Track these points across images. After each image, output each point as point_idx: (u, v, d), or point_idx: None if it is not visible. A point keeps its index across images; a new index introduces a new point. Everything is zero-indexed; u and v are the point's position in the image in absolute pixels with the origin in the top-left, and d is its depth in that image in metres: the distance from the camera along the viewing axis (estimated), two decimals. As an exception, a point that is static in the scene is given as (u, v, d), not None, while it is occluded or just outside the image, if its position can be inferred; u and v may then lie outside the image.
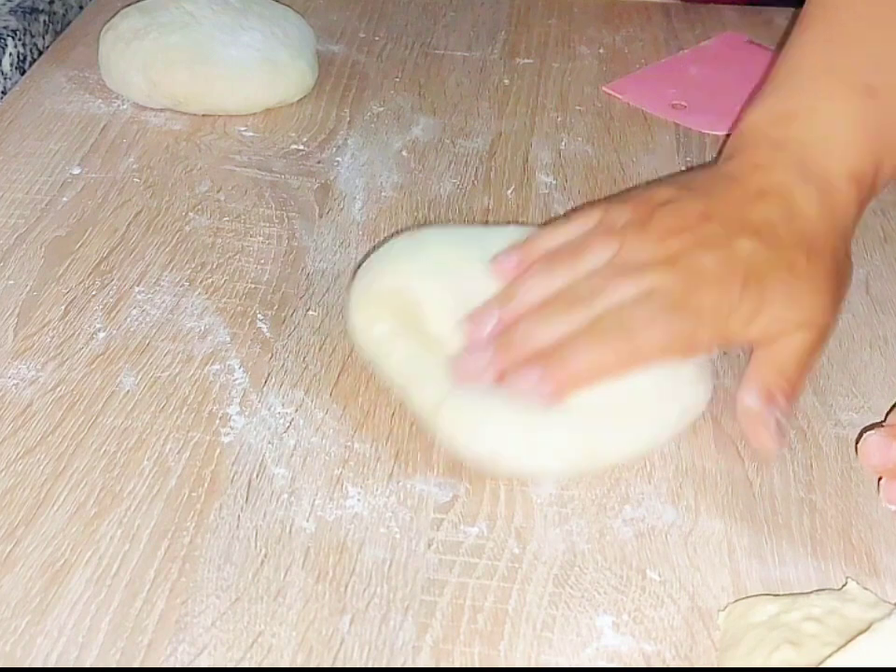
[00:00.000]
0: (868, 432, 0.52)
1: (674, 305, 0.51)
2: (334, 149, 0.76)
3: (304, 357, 0.58)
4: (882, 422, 0.54)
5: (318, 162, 0.74)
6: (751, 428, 0.52)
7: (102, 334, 0.59)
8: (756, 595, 0.46)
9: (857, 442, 0.53)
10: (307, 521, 0.49)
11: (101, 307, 0.61)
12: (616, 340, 0.51)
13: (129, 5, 0.82)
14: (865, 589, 0.45)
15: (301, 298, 0.62)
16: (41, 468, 0.51)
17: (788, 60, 0.61)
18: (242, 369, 0.57)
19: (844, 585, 0.45)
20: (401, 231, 0.67)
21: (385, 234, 0.68)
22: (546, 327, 0.52)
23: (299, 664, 0.44)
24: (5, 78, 0.82)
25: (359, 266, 0.60)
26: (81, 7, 0.93)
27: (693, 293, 0.51)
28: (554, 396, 0.50)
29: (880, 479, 0.51)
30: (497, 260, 0.56)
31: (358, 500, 0.51)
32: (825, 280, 0.53)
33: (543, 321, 0.52)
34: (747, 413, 0.52)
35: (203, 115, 0.78)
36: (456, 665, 0.44)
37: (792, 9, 0.94)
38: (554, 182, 0.73)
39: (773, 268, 0.52)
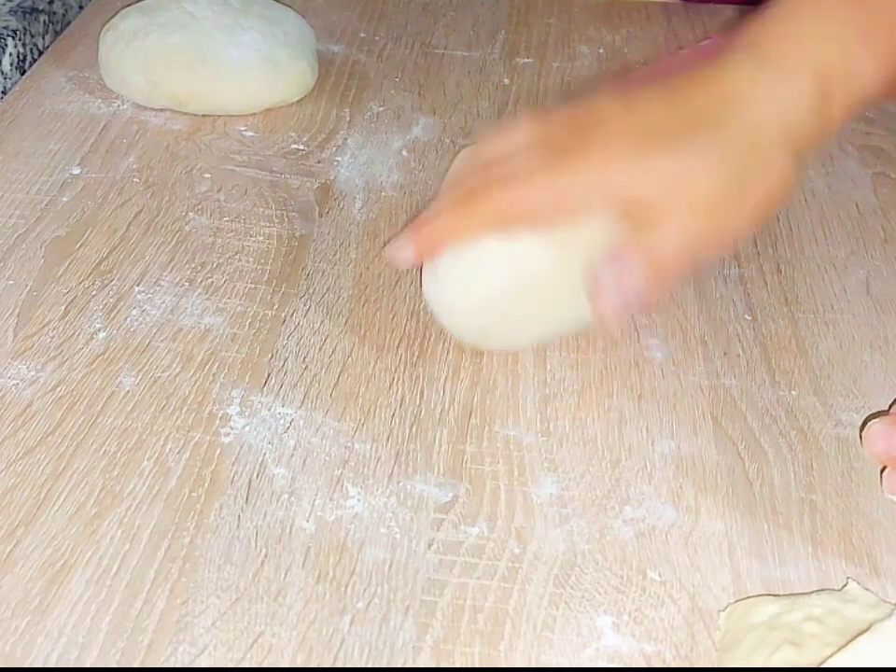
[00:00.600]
0: (872, 420, 0.52)
1: (553, 154, 0.52)
2: (334, 149, 0.76)
3: (304, 358, 0.58)
4: (887, 410, 0.54)
5: (318, 162, 0.74)
6: (594, 293, 0.52)
7: (102, 334, 0.59)
8: (757, 596, 0.46)
9: (861, 430, 0.53)
10: (307, 521, 0.49)
11: (101, 307, 0.61)
12: (478, 202, 0.53)
13: (129, 5, 0.82)
14: (866, 589, 0.45)
15: (301, 298, 0.62)
16: (41, 468, 0.51)
17: None
18: (242, 369, 0.57)
19: (844, 585, 0.45)
20: (401, 231, 0.68)
21: (385, 234, 0.68)
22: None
23: (299, 664, 0.44)
24: (5, 78, 0.82)
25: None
26: (81, 7, 0.93)
27: (577, 136, 0.53)
28: (415, 262, 0.56)
29: (883, 470, 0.51)
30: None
31: (359, 500, 0.50)
32: (727, 168, 0.51)
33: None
34: (594, 277, 0.52)
35: (203, 115, 0.78)
36: (457, 665, 0.44)
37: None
38: (555, 182, 0.73)
39: (674, 133, 0.52)
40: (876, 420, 0.51)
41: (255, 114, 0.79)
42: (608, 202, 0.52)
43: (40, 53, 0.86)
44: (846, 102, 0.54)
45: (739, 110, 0.52)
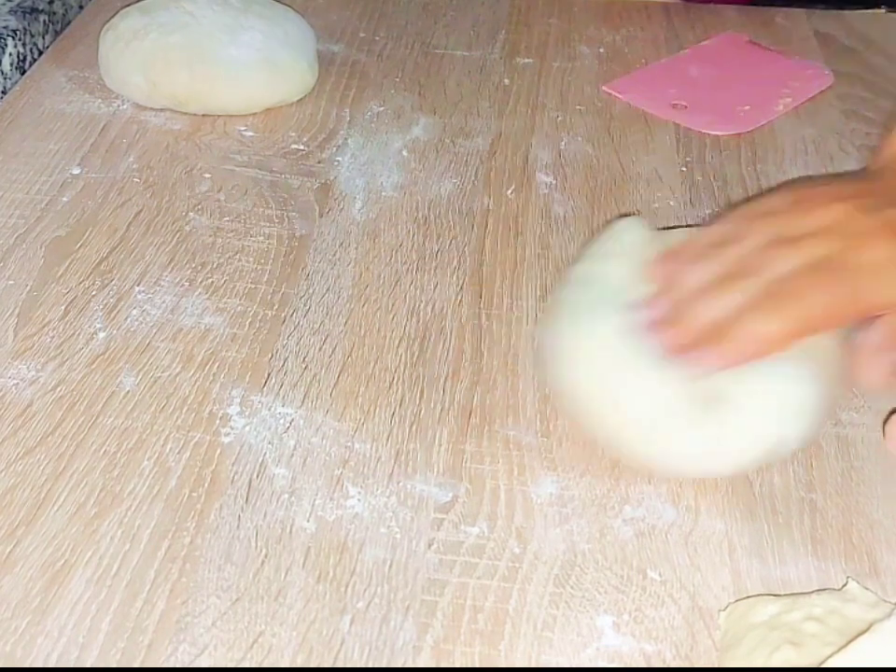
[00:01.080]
0: (895, 415, 0.52)
1: (834, 267, 0.50)
2: (334, 149, 0.76)
3: (304, 358, 0.58)
4: None
5: (318, 162, 0.74)
6: (862, 361, 0.51)
7: (102, 334, 0.59)
8: (757, 595, 0.46)
9: (884, 423, 0.53)
10: (307, 521, 0.49)
11: (101, 307, 0.61)
12: (784, 307, 0.50)
13: (129, 5, 0.82)
14: (866, 589, 0.45)
15: (301, 298, 0.62)
16: (41, 468, 0.51)
17: None
18: (242, 369, 0.57)
19: (844, 585, 0.45)
20: (401, 231, 0.68)
21: (386, 234, 0.68)
22: (714, 301, 0.50)
23: (299, 664, 0.44)
24: (5, 78, 0.82)
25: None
26: (81, 7, 0.93)
27: (851, 252, 0.50)
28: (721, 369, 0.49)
29: (886, 422, 0.51)
30: (654, 261, 0.54)
31: (359, 500, 0.51)
32: None
33: (710, 296, 0.51)
34: (862, 347, 0.51)
35: (203, 115, 0.78)
36: (457, 665, 0.44)
37: (792, 9, 0.95)
38: (554, 182, 0.73)
39: None
40: None
41: (255, 114, 0.79)
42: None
43: (40, 53, 0.86)
44: None
45: None
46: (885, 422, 0.53)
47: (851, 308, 0.50)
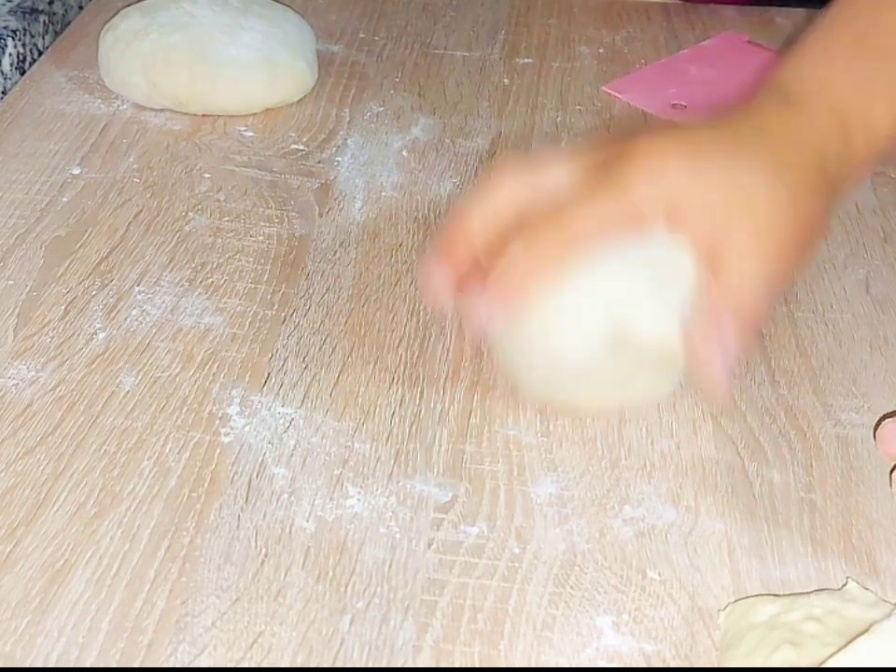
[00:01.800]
0: (887, 420, 0.52)
1: (606, 176, 0.51)
2: (334, 149, 0.76)
3: (304, 357, 0.58)
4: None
5: (318, 162, 0.74)
6: (697, 360, 0.51)
7: (102, 334, 0.59)
8: (756, 595, 0.46)
9: (874, 429, 0.53)
10: (307, 521, 0.49)
11: (101, 307, 0.61)
12: (550, 237, 0.51)
13: (129, 5, 0.82)
14: (865, 589, 0.45)
15: (300, 298, 0.62)
16: (41, 468, 0.51)
17: (815, 27, 0.58)
18: (242, 369, 0.57)
19: (844, 585, 0.45)
20: (401, 231, 0.68)
21: (385, 234, 0.68)
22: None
23: (299, 664, 0.44)
24: (5, 78, 0.82)
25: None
26: (81, 8, 0.93)
27: (627, 151, 0.51)
28: (508, 319, 0.51)
29: (893, 470, 0.51)
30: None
31: (358, 500, 0.51)
32: (786, 205, 0.51)
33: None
34: (691, 343, 0.51)
35: (203, 115, 0.78)
36: (457, 664, 0.44)
37: (792, 9, 0.95)
38: (554, 182, 0.73)
39: (722, 148, 0.51)
40: (890, 419, 0.51)
41: (255, 114, 0.79)
42: (665, 212, 0.50)
43: (40, 53, 0.86)
44: (866, 145, 0.55)
45: (773, 140, 0.52)
46: (876, 427, 0.53)
47: (612, 217, 0.50)
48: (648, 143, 0.51)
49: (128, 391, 0.56)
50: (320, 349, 0.59)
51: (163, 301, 0.61)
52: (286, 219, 0.69)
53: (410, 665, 0.44)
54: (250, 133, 0.77)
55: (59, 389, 0.55)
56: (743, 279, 0.50)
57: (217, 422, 0.54)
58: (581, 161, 0.53)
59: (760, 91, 0.56)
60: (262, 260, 0.65)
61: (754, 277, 0.50)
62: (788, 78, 0.56)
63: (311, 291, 0.63)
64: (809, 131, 0.53)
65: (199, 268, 0.64)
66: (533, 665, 0.44)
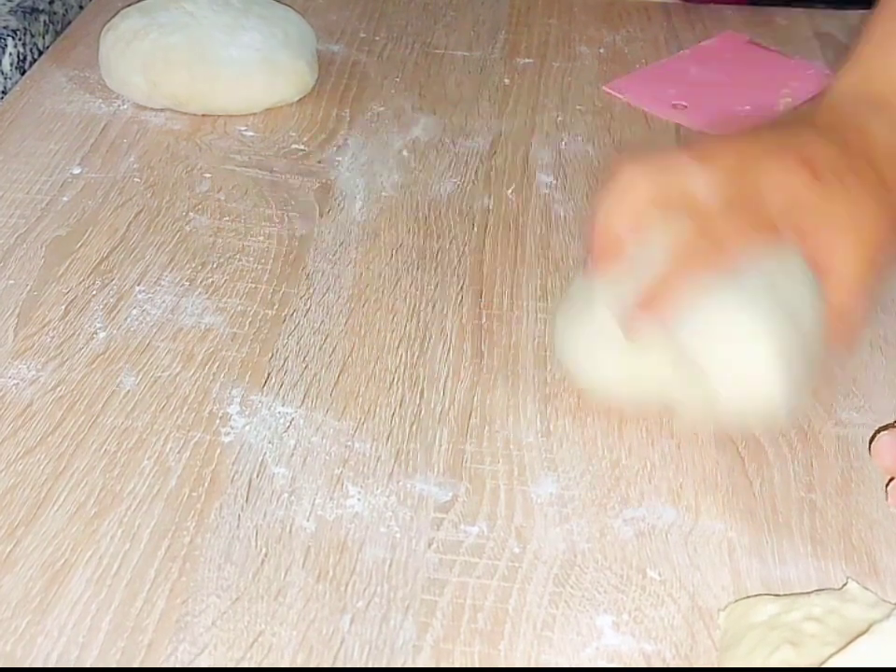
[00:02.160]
0: (881, 433, 0.52)
1: (746, 201, 0.52)
2: (334, 149, 0.76)
3: (304, 357, 0.58)
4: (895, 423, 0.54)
5: (319, 162, 0.74)
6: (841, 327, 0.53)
7: (102, 334, 0.59)
8: (756, 595, 0.46)
9: (870, 442, 0.53)
10: (307, 520, 0.49)
11: (101, 307, 0.61)
12: (706, 252, 0.51)
13: (129, 5, 0.82)
14: (865, 589, 0.45)
15: (301, 297, 0.62)
16: (41, 467, 0.51)
17: (879, 16, 0.60)
18: (242, 368, 0.57)
19: (844, 585, 0.45)
20: (401, 231, 0.68)
21: (386, 234, 0.68)
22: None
23: (299, 663, 0.44)
24: (5, 78, 0.82)
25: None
26: (81, 7, 0.93)
27: (758, 181, 0.52)
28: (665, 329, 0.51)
29: (889, 481, 0.51)
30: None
31: (359, 500, 0.51)
32: (870, 205, 0.53)
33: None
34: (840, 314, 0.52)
35: (204, 115, 0.78)
36: (457, 664, 0.44)
37: (793, 9, 0.95)
38: (555, 182, 0.73)
39: (844, 172, 0.53)
40: (885, 433, 0.52)
41: (255, 114, 0.79)
42: (795, 224, 0.52)
43: (40, 53, 0.86)
44: None
45: (876, 149, 0.54)
46: (871, 440, 0.53)
47: (762, 233, 0.51)
48: (775, 152, 0.53)
49: (128, 391, 0.56)
50: (320, 349, 0.59)
51: (164, 301, 0.61)
52: (286, 219, 0.69)
53: (410, 664, 0.44)
54: (251, 133, 0.77)
55: (59, 389, 0.55)
56: (850, 281, 0.52)
57: (218, 421, 0.54)
58: (714, 164, 0.53)
59: (848, 88, 0.57)
60: (263, 260, 0.65)
61: (858, 278, 0.52)
62: (875, 78, 0.57)
63: (311, 291, 0.63)
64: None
65: (199, 268, 0.64)
66: (533, 664, 0.44)
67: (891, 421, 0.55)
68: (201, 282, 0.63)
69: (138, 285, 0.63)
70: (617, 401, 0.55)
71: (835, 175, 0.53)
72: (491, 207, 0.70)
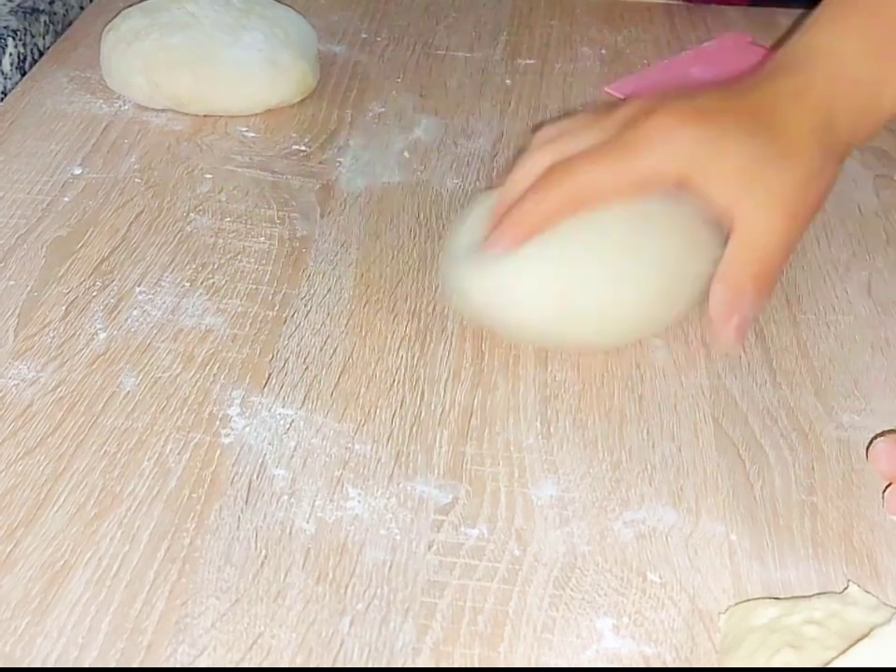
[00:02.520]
0: (878, 438, 0.52)
1: (619, 139, 0.55)
2: (336, 150, 0.76)
3: (305, 359, 0.58)
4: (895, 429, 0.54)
5: (320, 163, 0.74)
6: (717, 321, 0.55)
7: (102, 335, 0.59)
8: (757, 598, 0.46)
9: (867, 448, 0.53)
10: (307, 522, 0.49)
11: (102, 307, 0.61)
12: (559, 182, 0.55)
13: (130, 5, 0.82)
14: (867, 592, 0.45)
15: (301, 298, 0.62)
16: (41, 468, 0.51)
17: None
18: (242, 369, 0.57)
19: (845, 588, 0.45)
20: (402, 232, 0.68)
21: (387, 235, 0.68)
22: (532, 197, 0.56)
23: (298, 665, 0.44)
24: (5, 79, 0.82)
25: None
26: (82, 8, 0.93)
27: (642, 118, 0.55)
28: (511, 247, 0.55)
29: (887, 487, 0.51)
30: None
31: (359, 502, 0.50)
32: (796, 169, 0.54)
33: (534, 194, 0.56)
34: (714, 306, 0.54)
35: (205, 115, 0.78)
36: (456, 666, 0.44)
37: (795, 10, 0.94)
38: (556, 183, 0.73)
39: (735, 120, 0.54)
40: (882, 439, 0.52)
41: (256, 114, 0.79)
42: (677, 177, 0.54)
43: (41, 54, 0.86)
44: (870, 113, 0.57)
45: (783, 107, 0.55)
46: (867, 447, 0.53)
47: (620, 178, 0.54)
48: (663, 110, 0.54)
49: (128, 392, 0.56)
50: (321, 350, 0.59)
51: (164, 302, 0.61)
52: (287, 220, 0.69)
53: (409, 666, 0.44)
54: (252, 134, 0.77)
55: (59, 390, 0.55)
56: (757, 240, 0.53)
57: (218, 423, 0.54)
58: (603, 123, 0.56)
59: (770, 60, 0.58)
60: (263, 261, 0.65)
61: (768, 237, 0.53)
62: (798, 47, 0.58)
63: (312, 292, 0.63)
64: (818, 94, 0.55)
65: (200, 268, 0.64)
66: (533, 666, 0.44)
67: (892, 424, 0.55)
68: (201, 283, 0.63)
69: (139, 285, 0.63)
70: (481, 321, 0.59)
71: (733, 127, 0.54)
72: (492, 208, 0.70)
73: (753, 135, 0.54)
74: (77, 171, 0.72)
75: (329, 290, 0.63)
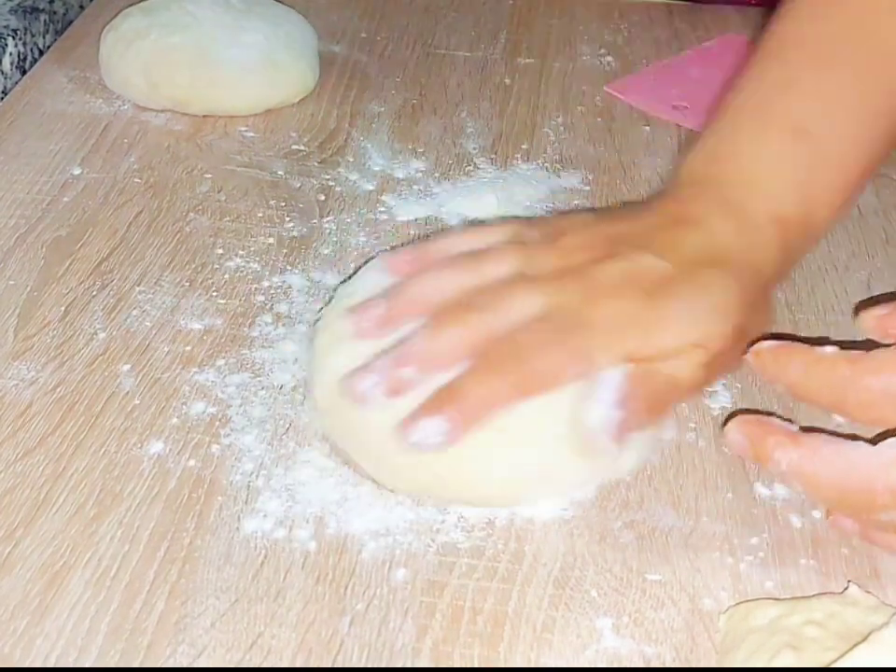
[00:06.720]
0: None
1: (567, 324, 0.49)
2: (335, 150, 0.76)
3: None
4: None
5: (319, 163, 0.74)
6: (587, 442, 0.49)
7: (102, 335, 0.59)
8: (757, 599, 0.46)
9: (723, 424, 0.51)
10: (307, 522, 0.49)
11: (101, 308, 0.61)
12: (509, 369, 0.49)
13: (130, 5, 0.82)
14: (867, 593, 0.45)
15: (301, 299, 0.62)
16: (41, 469, 0.51)
17: (732, 99, 0.59)
18: (242, 369, 0.57)
19: (845, 589, 0.45)
20: (403, 233, 0.68)
21: (387, 236, 0.67)
22: (433, 342, 0.50)
23: (298, 665, 0.44)
24: (5, 78, 0.82)
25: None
26: (82, 7, 0.93)
27: (588, 307, 0.50)
28: (453, 439, 0.48)
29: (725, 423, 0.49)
30: (392, 256, 0.55)
31: (359, 502, 0.50)
32: (735, 307, 0.50)
33: (432, 334, 0.50)
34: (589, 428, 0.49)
35: (204, 115, 0.78)
36: (456, 666, 0.44)
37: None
38: (556, 183, 0.73)
39: (678, 282, 0.50)
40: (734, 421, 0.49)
41: (256, 114, 0.79)
42: (623, 359, 0.49)
43: (41, 53, 0.86)
44: (804, 246, 0.56)
45: (730, 262, 0.52)
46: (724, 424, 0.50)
47: (581, 367, 0.49)
48: (606, 287, 0.50)
49: (128, 392, 0.56)
50: (321, 350, 0.59)
51: (164, 302, 0.61)
52: (287, 220, 0.69)
53: (409, 666, 0.44)
54: (251, 134, 0.77)
55: (59, 390, 0.55)
56: (667, 377, 0.50)
57: (218, 423, 0.54)
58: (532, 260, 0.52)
59: (689, 174, 0.56)
60: (263, 261, 0.65)
61: (682, 375, 0.50)
62: (721, 170, 0.55)
63: (311, 292, 0.63)
64: (751, 244, 0.53)
65: (199, 268, 0.64)
66: (533, 666, 0.44)
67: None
68: (201, 282, 0.63)
69: (138, 285, 0.62)
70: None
71: (676, 302, 0.50)
72: (492, 208, 0.70)
73: (695, 301, 0.50)
74: (77, 171, 0.72)
75: (328, 291, 0.63)
